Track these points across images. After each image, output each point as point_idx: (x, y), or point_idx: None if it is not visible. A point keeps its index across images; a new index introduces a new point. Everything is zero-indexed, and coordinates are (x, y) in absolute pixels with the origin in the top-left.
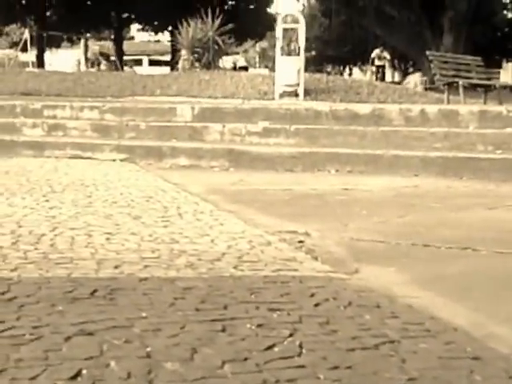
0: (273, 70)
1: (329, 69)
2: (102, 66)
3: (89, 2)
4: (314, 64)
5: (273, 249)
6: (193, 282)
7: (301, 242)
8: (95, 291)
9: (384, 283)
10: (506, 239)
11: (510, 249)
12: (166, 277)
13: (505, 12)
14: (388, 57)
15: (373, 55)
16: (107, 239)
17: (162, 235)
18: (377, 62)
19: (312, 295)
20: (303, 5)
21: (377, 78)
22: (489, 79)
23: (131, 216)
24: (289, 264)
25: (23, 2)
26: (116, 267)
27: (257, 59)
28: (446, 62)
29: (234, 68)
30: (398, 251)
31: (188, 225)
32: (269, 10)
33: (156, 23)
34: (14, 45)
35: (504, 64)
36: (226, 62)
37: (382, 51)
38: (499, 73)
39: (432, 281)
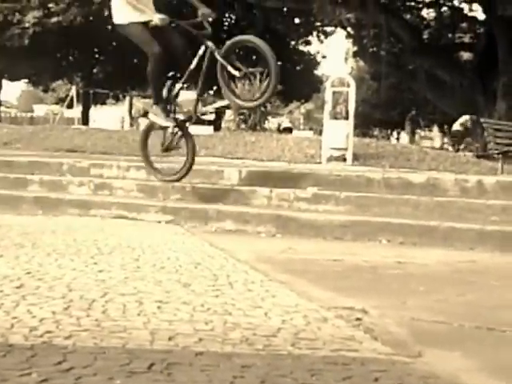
0: (317, 132)
1: (376, 132)
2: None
3: (135, 60)
4: (360, 127)
5: (330, 326)
6: (250, 360)
7: (358, 319)
8: (152, 365)
9: (450, 369)
10: None
11: None
12: (222, 352)
13: None
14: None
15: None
16: (159, 307)
17: (214, 306)
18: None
19: (376, 380)
20: (351, 67)
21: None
22: None
23: (181, 283)
24: (348, 344)
25: (71, 58)
26: (170, 339)
27: (301, 121)
28: (500, 130)
29: (279, 129)
30: (461, 334)
31: (239, 295)
32: (316, 71)
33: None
34: (59, 101)
35: None
36: (271, 123)
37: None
38: None
39: (502, 370)
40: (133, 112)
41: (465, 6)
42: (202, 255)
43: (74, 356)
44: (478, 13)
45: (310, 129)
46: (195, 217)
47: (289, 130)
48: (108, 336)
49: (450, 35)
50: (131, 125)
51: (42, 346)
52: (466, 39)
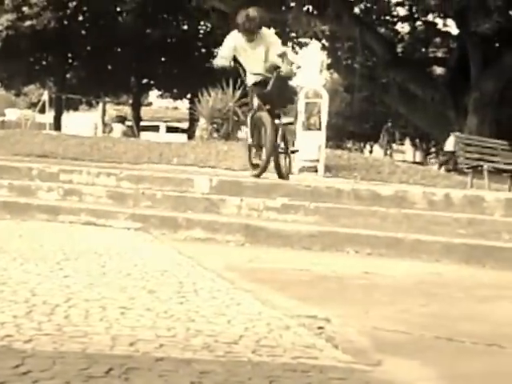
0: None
1: (349, 145)
2: (117, 132)
3: (109, 67)
4: (333, 139)
5: (291, 334)
6: (210, 366)
7: (321, 328)
8: (110, 370)
9: (409, 378)
10: None
11: None
12: (182, 358)
13: None
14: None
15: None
16: (122, 313)
17: (178, 312)
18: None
19: None
20: (326, 79)
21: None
22: None
23: (146, 290)
24: (308, 351)
25: (44, 62)
26: (131, 344)
27: None
28: (470, 145)
29: None
30: (421, 344)
31: (204, 303)
32: (290, 82)
33: (175, 90)
34: (32, 105)
35: None
36: (245, 133)
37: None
38: None
39: (460, 378)
40: (106, 118)
41: (439, 21)
42: (170, 262)
43: (33, 360)
44: (452, 28)
45: None
46: (164, 224)
47: None
48: (68, 341)
49: (423, 49)
50: (104, 131)
51: (0, 349)
52: (440, 54)
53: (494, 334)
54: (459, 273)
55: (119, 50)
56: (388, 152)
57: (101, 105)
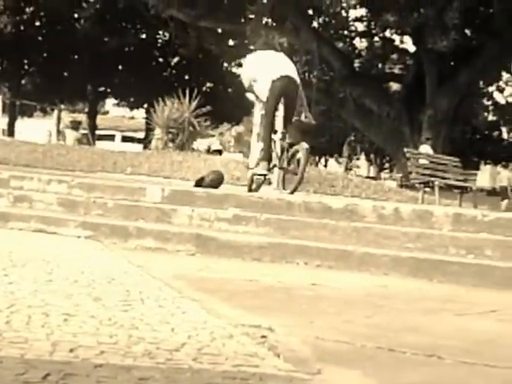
0: (247, 155)
1: None
2: (70, 139)
3: (65, 74)
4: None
5: (234, 342)
6: (149, 372)
7: (264, 337)
8: (48, 375)
9: None
10: (472, 349)
11: (475, 359)
12: (122, 364)
13: (485, 114)
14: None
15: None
16: (65, 320)
17: (122, 320)
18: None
19: None
20: None
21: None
22: (465, 181)
23: (91, 297)
24: (250, 360)
25: None
26: (71, 350)
27: (232, 143)
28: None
29: (208, 151)
30: (362, 354)
31: (149, 311)
32: (247, 95)
33: (132, 99)
34: None
35: (482, 166)
36: (201, 144)
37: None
38: (476, 175)
39: None
40: (61, 126)
41: (396, 38)
42: (118, 271)
43: None
44: (409, 45)
45: (240, 152)
46: (115, 233)
47: (219, 152)
48: (7, 346)
49: (380, 65)
50: (58, 139)
51: None
52: (396, 70)
53: (434, 345)
54: (406, 286)
55: (76, 57)
56: (349, 166)
57: (56, 112)
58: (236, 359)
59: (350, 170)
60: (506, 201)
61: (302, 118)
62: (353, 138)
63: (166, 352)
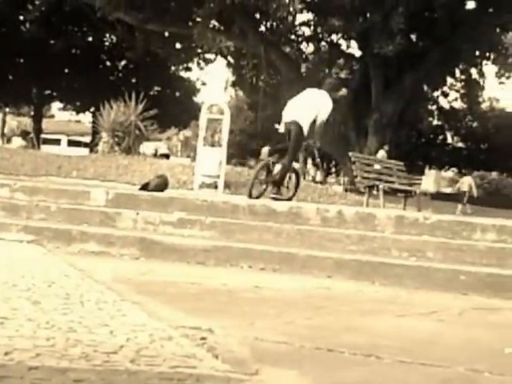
0: (194, 159)
1: (252, 163)
2: (16, 143)
3: (10, 77)
4: (237, 157)
5: (173, 344)
6: (85, 374)
7: (203, 338)
8: None
9: None
10: (410, 349)
11: (413, 359)
12: (57, 367)
13: (430, 119)
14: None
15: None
16: (1, 324)
17: (60, 323)
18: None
19: None
20: (230, 96)
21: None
22: (410, 185)
23: (30, 301)
24: (188, 361)
25: None
26: (6, 354)
27: (179, 147)
28: (367, 165)
29: (155, 155)
30: (301, 354)
31: (89, 314)
32: (195, 98)
33: (78, 103)
34: None
35: (426, 170)
36: (147, 148)
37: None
38: (421, 179)
39: None
40: (5, 130)
41: (343, 42)
42: (59, 275)
43: None
44: (355, 49)
45: (188, 156)
46: (59, 237)
47: (166, 157)
48: None
49: (327, 70)
50: (3, 142)
51: None
52: (342, 75)
53: (373, 345)
54: (348, 288)
55: (21, 60)
56: (304, 170)
57: (0, 115)
58: (174, 361)
59: (306, 174)
60: (460, 205)
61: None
62: (309, 142)
63: (103, 354)
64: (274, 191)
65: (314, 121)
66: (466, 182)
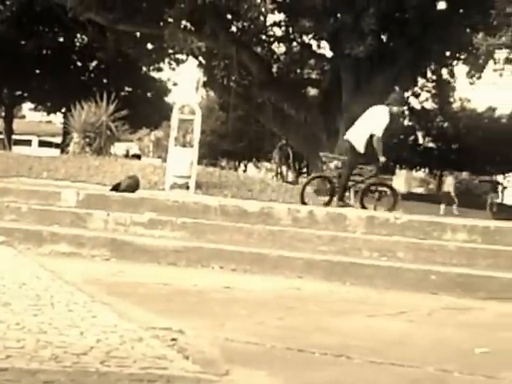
0: (166, 160)
1: (223, 163)
2: None
3: None
4: (208, 157)
5: (144, 345)
6: (55, 376)
7: (174, 339)
8: None
9: None
10: (381, 349)
11: (383, 359)
12: (27, 368)
13: (401, 119)
14: None
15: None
16: None
17: (30, 324)
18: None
19: None
20: (202, 97)
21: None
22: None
23: (0, 302)
24: (158, 362)
25: None
26: None
27: (151, 148)
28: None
29: (127, 155)
30: (271, 355)
31: (59, 315)
32: (166, 99)
33: (49, 104)
34: None
35: (397, 171)
36: (119, 148)
37: None
38: (392, 179)
39: None
40: None
41: (314, 43)
42: (30, 276)
43: None
44: (326, 50)
45: (159, 157)
46: (29, 238)
47: (137, 157)
48: None
49: (298, 70)
50: None
51: None
52: (314, 75)
53: (344, 345)
54: (319, 288)
55: None
56: (279, 170)
57: None
58: (144, 362)
59: (281, 174)
60: (443, 206)
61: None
62: (284, 142)
63: (73, 356)
64: (340, 203)
65: (372, 136)
66: (450, 183)
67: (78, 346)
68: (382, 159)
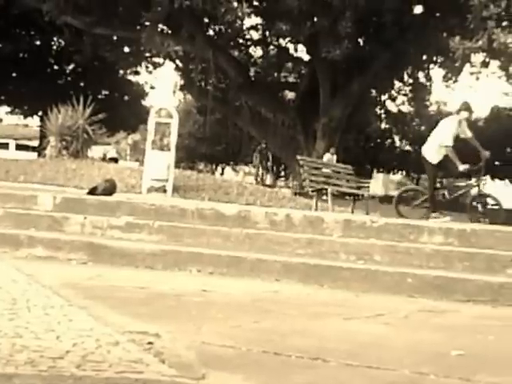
0: (143, 163)
1: (201, 167)
2: None
3: None
4: (186, 161)
5: (120, 349)
6: (31, 380)
7: (150, 343)
8: None
9: None
10: (357, 352)
11: (359, 362)
12: (2, 373)
13: (378, 122)
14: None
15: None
16: None
17: (6, 328)
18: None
19: None
20: (179, 100)
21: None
22: (358, 188)
23: None
24: (134, 366)
25: None
26: None
27: (128, 151)
28: (316, 168)
29: (104, 159)
30: (248, 358)
31: (36, 319)
32: (144, 102)
33: (26, 107)
34: None
35: (375, 174)
36: (96, 152)
37: (332, 154)
38: (369, 182)
39: None
40: None
41: (291, 46)
42: (6, 280)
43: None
44: (303, 53)
45: (137, 160)
46: (6, 242)
47: (114, 160)
48: None
49: (275, 74)
50: None
51: None
52: (291, 79)
53: (320, 348)
54: (296, 291)
55: None
56: (259, 173)
57: None
58: (120, 366)
59: (261, 178)
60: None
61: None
62: (263, 146)
63: (49, 360)
64: (432, 215)
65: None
66: None
67: (54, 350)
68: (461, 167)
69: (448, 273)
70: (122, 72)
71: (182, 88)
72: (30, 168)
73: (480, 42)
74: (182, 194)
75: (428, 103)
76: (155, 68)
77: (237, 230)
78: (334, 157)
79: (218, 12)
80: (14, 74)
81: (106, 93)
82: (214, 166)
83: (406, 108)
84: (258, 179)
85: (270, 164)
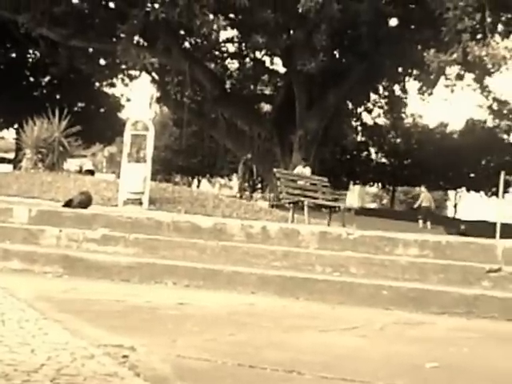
0: (119, 176)
1: (177, 179)
2: None
3: None
4: (162, 173)
5: (95, 362)
6: None
7: (125, 356)
8: None
9: None
10: (333, 364)
11: (334, 374)
12: None
13: (354, 135)
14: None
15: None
16: None
17: None
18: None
19: None
20: (155, 112)
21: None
22: (335, 200)
23: None
24: (109, 379)
25: None
26: None
27: (104, 164)
28: (292, 181)
29: (80, 171)
30: (223, 371)
31: (10, 332)
32: (120, 114)
33: (1, 120)
34: None
35: (351, 186)
36: (72, 164)
37: (304, 166)
38: (345, 194)
39: None
40: None
41: (267, 59)
42: None
43: None
44: (279, 66)
45: (113, 172)
46: None
47: (91, 173)
48: None
49: (252, 86)
50: None
51: None
52: (267, 91)
53: (296, 361)
54: (272, 304)
55: None
56: (243, 186)
57: None
58: (95, 379)
59: (245, 190)
60: (421, 221)
61: None
62: (249, 157)
63: (23, 373)
64: None
65: None
66: (426, 197)
67: (29, 363)
68: None
69: (423, 285)
70: (97, 84)
71: (158, 100)
72: (6, 181)
73: (455, 55)
74: (158, 206)
75: (404, 116)
76: (131, 80)
77: (213, 242)
78: (307, 169)
79: (194, 25)
80: None
81: (82, 105)
82: (190, 179)
83: (381, 120)
84: (242, 192)
85: (249, 177)
